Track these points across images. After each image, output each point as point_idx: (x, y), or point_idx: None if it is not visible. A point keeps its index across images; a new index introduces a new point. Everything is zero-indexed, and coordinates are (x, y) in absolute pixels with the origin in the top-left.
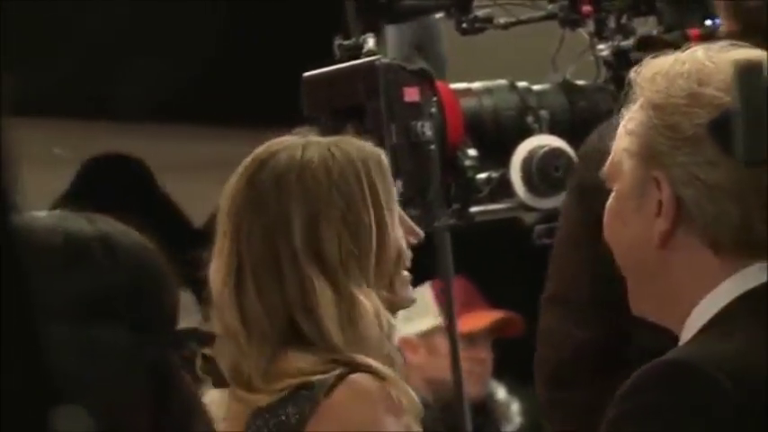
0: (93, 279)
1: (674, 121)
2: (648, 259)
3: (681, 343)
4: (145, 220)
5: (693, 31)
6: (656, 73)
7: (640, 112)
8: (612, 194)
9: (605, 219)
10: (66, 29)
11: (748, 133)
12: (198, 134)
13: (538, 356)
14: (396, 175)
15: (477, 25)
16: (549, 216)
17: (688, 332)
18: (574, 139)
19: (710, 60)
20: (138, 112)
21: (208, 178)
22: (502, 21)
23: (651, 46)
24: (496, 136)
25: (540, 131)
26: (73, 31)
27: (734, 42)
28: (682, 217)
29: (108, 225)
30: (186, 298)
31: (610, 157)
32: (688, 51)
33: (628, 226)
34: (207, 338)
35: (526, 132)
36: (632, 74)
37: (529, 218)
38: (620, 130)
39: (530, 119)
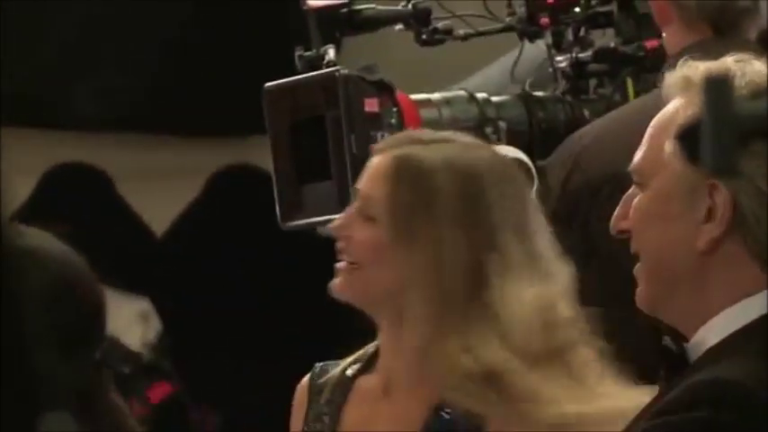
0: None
1: None
2: (686, 263)
3: (692, 343)
4: (105, 228)
5: (651, 43)
6: None
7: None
8: (645, 192)
9: (633, 215)
10: (27, 38)
11: (716, 144)
12: (158, 143)
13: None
14: (355, 185)
15: (436, 37)
16: None
17: (706, 336)
18: (532, 150)
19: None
20: (98, 121)
21: (167, 187)
22: (461, 32)
23: (609, 58)
24: None
25: (499, 142)
26: (32, 40)
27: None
28: (735, 226)
29: (37, 240)
30: (145, 305)
31: (645, 152)
32: (731, 59)
33: (667, 228)
34: (131, 355)
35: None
36: (673, 77)
37: None
38: (661, 131)
39: (488, 129)
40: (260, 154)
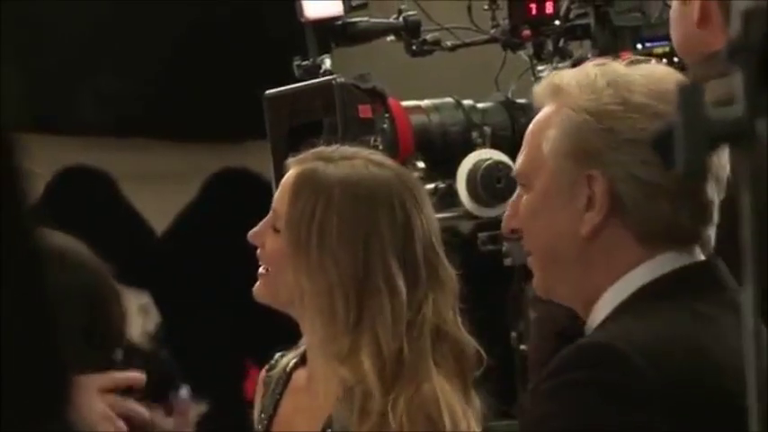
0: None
1: (611, 125)
2: (572, 249)
3: (588, 324)
4: (109, 227)
5: (625, 54)
6: (579, 83)
7: (566, 118)
8: (530, 191)
9: (521, 214)
10: (31, 46)
11: (687, 149)
12: (157, 147)
13: (531, 345)
14: None
15: (425, 48)
16: (491, 224)
17: (598, 312)
18: (515, 153)
19: (627, 71)
20: (103, 126)
21: (166, 189)
22: (449, 44)
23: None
24: (443, 150)
25: (484, 146)
26: (37, 48)
27: (635, 59)
28: (614, 211)
29: (63, 242)
30: (145, 299)
31: (523, 158)
32: (590, 64)
33: (552, 220)
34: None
35: (471, 147)
36: (541, 87)
37: (464, 227)
38: (536, 135)
39: (474, 134)
40: (255, 158)
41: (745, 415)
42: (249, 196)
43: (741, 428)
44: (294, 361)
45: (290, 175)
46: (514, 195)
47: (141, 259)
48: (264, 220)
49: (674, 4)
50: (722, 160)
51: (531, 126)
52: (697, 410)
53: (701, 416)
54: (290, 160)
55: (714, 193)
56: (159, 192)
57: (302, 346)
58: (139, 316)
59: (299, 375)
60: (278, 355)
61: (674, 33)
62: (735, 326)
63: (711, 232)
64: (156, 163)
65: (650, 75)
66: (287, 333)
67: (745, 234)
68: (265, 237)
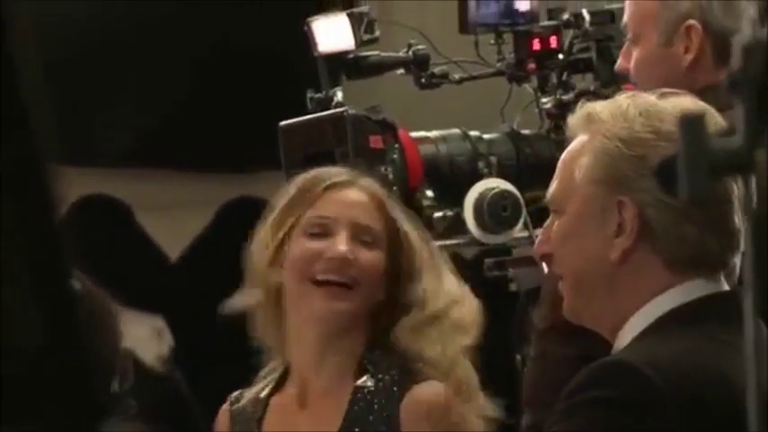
0: None
1: (642, 152)
2: (601, 274)
3: (615, 348)
4: (125, 254)
5: (628, 86)
6: (612, 113)
7: (600, 145)
8: (560, 217)
9: (552, 239)
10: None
11: (689, 178)
12: (172, 177)
13: (531, 381)
14: None
15: (434, 80)
16: (495, 251)
17: (625, 337)
18: (520, 182)
19: (657, 102)
20: (121, 157)
21: (183, 218)
22: (456, 77)
23: (589, 100)
24: (451, 179)
25: (490, 175)
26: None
27: (664, 91)
28: (643, 236)
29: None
30: (159, 323)
31: (556, 185)
32: (622, 96)
33: (583, 245)
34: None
35: (477, 176)
36: (575, 118)
37: (468, 252)
38: (569, 163)
39: (481, 164)
40: (266, 188)
41: None
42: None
43: None
44: (269, 387)
45: None
46: (547, 222)
47: (155, 284)
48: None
49: (646, 49)
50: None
51: (564, 154)
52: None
53: None
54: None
55: (741, 222)
56: (174, 220)
57: (267, 376)
58: (153, 340)
59: (282, 398)
60: (236, 393)
61: (651, 76)
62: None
63: (738, 261)
64: (171, 192)
65: (679, 105)
66: None
67: (747, 261)
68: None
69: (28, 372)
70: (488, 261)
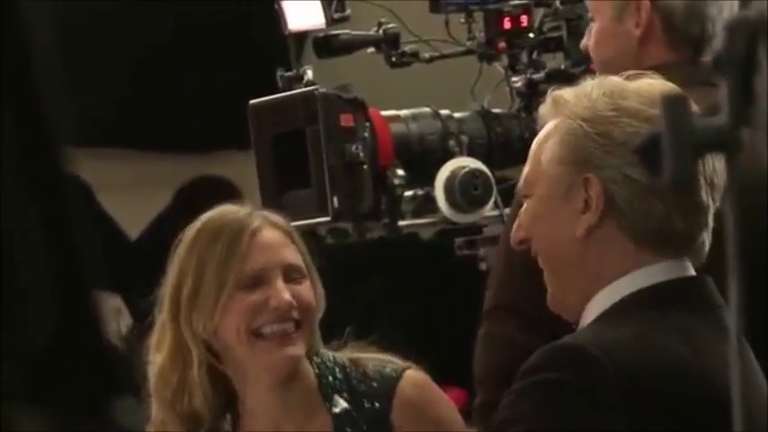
0: None
1: (605, 129)
2: (569, 251)
3: (578, 329)
4: (90, 233)
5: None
6: (576, 95)
7: (563, 126)
8: (530, 200)
9: (524, 222)
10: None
11: (674, 157)
12: (136, 157)
13: (478, 361)
14: (332, 192)
15: (404, 59)
16: (467, 230)
17: (587, 317)
18: (491, 161)
19: (622, 81)
20: (81, 137)
21: (143, 197)
22: (427, 55)
23: (559, 78)
24: (422, 158)
25: (461, 154)
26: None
27: (637, 72)
28: (609, 212)
29: None
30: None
31: (526, 172)
32: (593, 80)
33: (552, 224)
34: None
35: (448, 155)
36: (544, 106)
37: (425, 233)
38: (537, 149)
39: (451, 143)
40: (224, 167)
41: (710, 426)
42: (218, 202)
43: None
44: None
45: None
46: (521, 210)
47: (115, 264)
48: None
49: (601, 24)
50: (717, 166)
51: (534, 141)
52: (662, 416)
53: (665, 421)
54: None
55: (709, 198)
56: (134, 199)
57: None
58: (112, 319)
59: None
60: None
61: (604, 50)
62: (715, 344)
63: (706, 238)
64: (132, 172)
65: (643, 83)
66: None
67: (731, 241)
68: None
69: (43, 354)
70: (459, 240)
